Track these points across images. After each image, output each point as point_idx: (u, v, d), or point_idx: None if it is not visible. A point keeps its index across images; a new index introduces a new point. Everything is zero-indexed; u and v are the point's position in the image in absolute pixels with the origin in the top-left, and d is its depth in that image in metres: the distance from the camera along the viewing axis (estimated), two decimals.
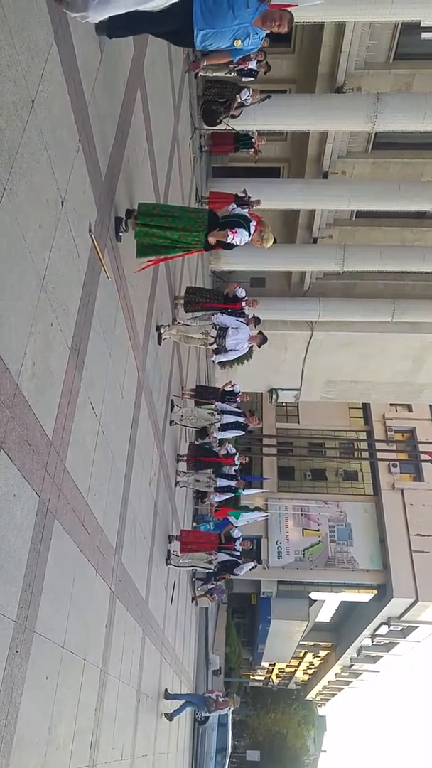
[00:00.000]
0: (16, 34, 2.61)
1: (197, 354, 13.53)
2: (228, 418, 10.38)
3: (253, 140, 12.19)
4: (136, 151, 5.54)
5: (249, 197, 12.52)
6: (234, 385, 10.92)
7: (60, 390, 3.41)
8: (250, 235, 5.23)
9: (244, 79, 10.72)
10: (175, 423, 9.42)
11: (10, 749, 2.85)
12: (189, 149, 10.48)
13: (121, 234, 4.73)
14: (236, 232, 5.01)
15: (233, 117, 11.10)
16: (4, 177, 2.53)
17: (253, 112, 11.66)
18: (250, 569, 10.43)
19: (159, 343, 7.46)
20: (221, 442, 11.03)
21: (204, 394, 10.78)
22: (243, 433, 10.89)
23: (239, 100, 10.71)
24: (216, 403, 10.52)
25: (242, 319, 9.29)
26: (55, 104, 3.13)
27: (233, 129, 11.73)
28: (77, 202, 3.59)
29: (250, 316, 9.44)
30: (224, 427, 10.41)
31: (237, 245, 5.08)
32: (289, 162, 17.54)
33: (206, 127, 11.44)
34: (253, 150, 12.25)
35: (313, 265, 16.92)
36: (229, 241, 4.99)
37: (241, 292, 9.06)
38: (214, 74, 10.86)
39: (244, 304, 9.20)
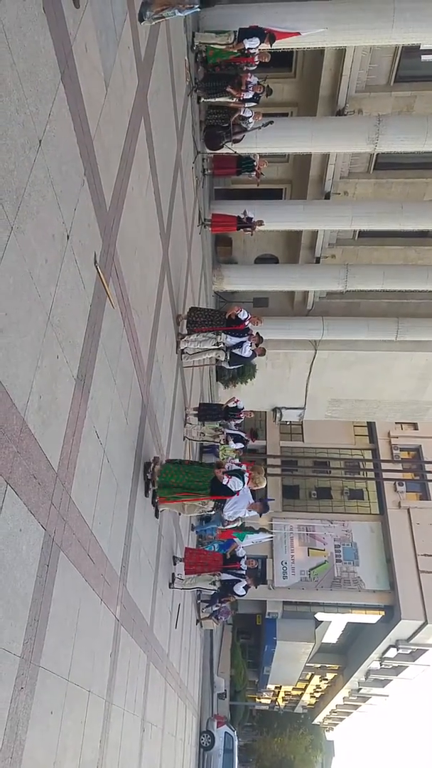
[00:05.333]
0: (25, 78, 2.67)
1: (200, 373, 13.56)
2: (232, 431, 10.89)
3: (255, 163, 12.35)
4: (140, 179, 5.62)
5: (251, 218, 12.69)
6: (237, 401, 10.99)
7: (66, 421, 3.42)
8: (244, 483, 6.61)
9: (246, 105, 10.90)
10: (194, 440, 9.86)
11: None
12: (192, 173, 10.63)
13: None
14: (231, 477, 6.46)
15: (236, 141, 11.25)
16: (12, 216, 2.57)
17: (254, 135, 11.83)
18: (243, 587, 10.31)
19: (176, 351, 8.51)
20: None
21: (208, 412, 10.83)
22: (244, 446, 11.35)
23: (242, 113, 10.84)
24: (222, 421, 10.75)
25: (246, 338, 9.35)
26: (61, 141, 3.19)
27: (235, 152, 11.90)
28: (82, 234, 3.63)
29: (254, 333, 9.50)
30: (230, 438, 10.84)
31: (234, 491, 6.47)
32: (291, 183, 17.74)
33: (209, 151, 11.61)
34: (255, 173, 12.40)
35: (316, 285, 17.01)
36: (224, 484, 6.40)
37: (243, 314, 9.11)
38: (217, 100, 11.06)
39: (247, 323, 9.26)
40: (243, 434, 10.91)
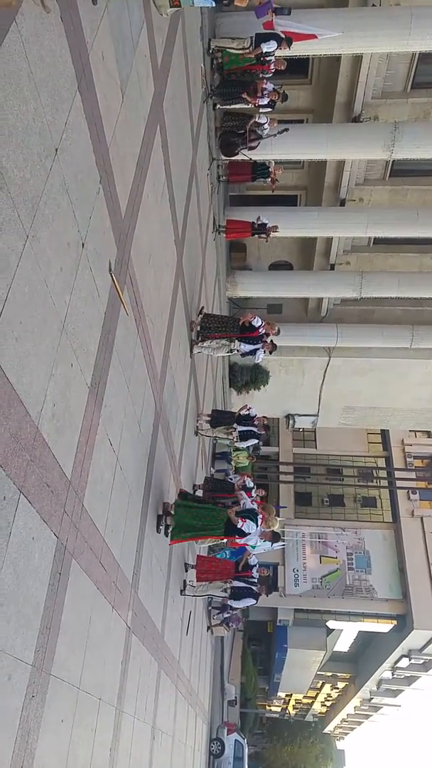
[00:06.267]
0: (42, 86, 2.69)
1: (213, 379, 13.56)
2: (243, 428, 10.89)
3: (270, 170, 12.34)
4: (156, 186, 5.64)
5: (265, 224, 12.67)
6: (250, 408, 10.98)
7: (79, 429, 3.41)
8: (257, 525, 6.74)
9: (261, 110, 10.90)
10: (206, 435, 10.18)
11: None
12: (207, 180, 10.66)
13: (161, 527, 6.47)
14: (245, 521, 6.56)
15: (251, 149, 11.26)
16: (28, 225, 2.58)
17: (270, 142, 11.83)
18: (246, 606, 10.30)
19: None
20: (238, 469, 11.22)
21: (220, 419, 10.83)
22: (258, 440, 11.43)
23: (257, 120, 10.85)
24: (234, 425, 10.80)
25: (259, 345, 9.33)
26: (77, 150, 3.20)
27: (250, 159, 11.91)
28: (98, 242, 3.64)
29: (268, 341, 9.48)
30: (242, 437, 10.85)
31: (247, 533, 6.59)
32: (306, 190, 17.71)
33: (224, 157, 11.63)
34: (270, 180, 12.39)
35: (330, 292, 16.93)
36: (238, 527, 6.52)
37: (256, 321, 9.08)
38: (232, 107, 11.09)
39: (261, 330, 9.24)
40: (255, 428, 10.89)
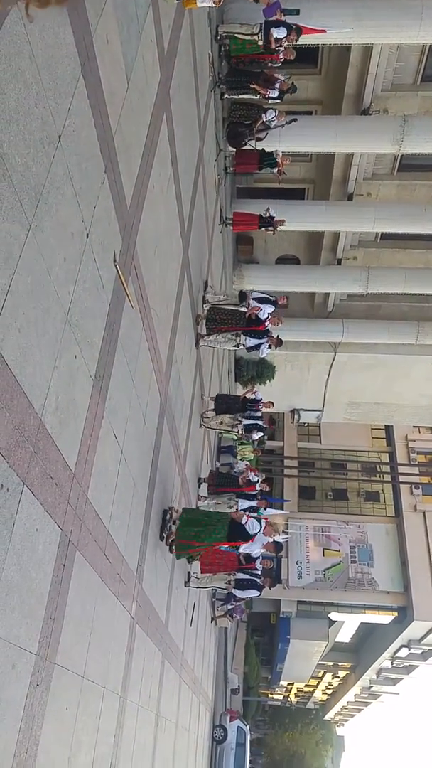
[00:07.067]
0: (44, 70, 2.62)
1: (219, 374, 13.53)
2: (248, 422, 10.94)
3: (278, 159, 12.22)
4: (162, 177, 5.59)
5: (273, 217, 12.58)
6: (255, 392, 10.99)
7: (83, 422, 3.40)
8: (261, 527, 6.93)
9: (270, 101, 10.78)
10: (211, 428, 10.17)
11: None
12: (213, 171, 10.58)
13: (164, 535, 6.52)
14: (250, 517, 6.86)
15: (259, 140, 11.15)
16: (30, 214, 2.55)
17: (278, 133, 11.70)
18: (249, 598, 10.36)
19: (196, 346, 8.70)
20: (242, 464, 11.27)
21: (226, 403, 10.81)
22: (264, 434, 11.52)
23: (264, 120, 10.75)
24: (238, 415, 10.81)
25: (264, 340, 9.30)
26: (81, 137, 3.15)
27: (256, 148, 11.78)
28: (102, 233, 3.61)
29: (274, 336, 9.46)
30: (246, 429, 10.91)
31: (251, 533, 6.77)
32: (314, 183, 17.57)
33: (231, 148, 11.53)
34: (277, 170, 12.28)
35: (336, 287, 16.85)
36: (243, 523, 6.72)
37: (263, 314, 9.04)
38: (240, 96, 10.97)
39: (267, 324, 9.20)
40: (260, 422, 10.87)
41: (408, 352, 17.93)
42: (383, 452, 28.71)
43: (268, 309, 9.40)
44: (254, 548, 7.52)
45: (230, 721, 18.02)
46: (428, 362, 18.38)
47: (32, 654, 2.80)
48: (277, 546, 8.36)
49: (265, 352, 9.36)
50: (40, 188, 2.63)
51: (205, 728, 15.06)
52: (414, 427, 27.68)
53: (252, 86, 9.88)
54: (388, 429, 28.66)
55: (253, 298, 9.48)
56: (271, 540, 7.57)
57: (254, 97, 10.36)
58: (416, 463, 27.49)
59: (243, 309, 9.33)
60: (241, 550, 7.44)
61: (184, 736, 9.99)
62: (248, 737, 18.78)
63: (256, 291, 9.52)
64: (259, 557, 11.58)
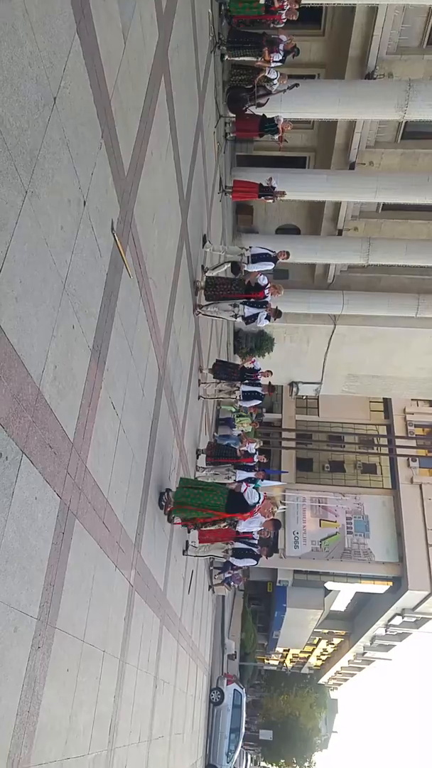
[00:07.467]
0: (38, 28, 2.52)
1: (218, 346, 13.49)
2: (247, 388, 10.95)
3: (279, 125, 11.92)
4: (160, 143, 5.46)
5: (274, 187, 12.33)
6: (254, 361, 10.97)
7: (81, 392, 3.40)
8: (260, 497, 6.90)
9: (272, 63, 10.44)
10: (209, 397, 10.30)
11: (33, 739, 2.92)
12: (213, 138, 10.32)
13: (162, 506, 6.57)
14: (249, 485, 7.04)
15: (259, 105, 10.85)
16: (26, 180, 2.50)
17: (279, 98, 11.38)
18: (246, 566, 10.53)
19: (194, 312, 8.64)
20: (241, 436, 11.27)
21: (224, 370, 10.80)
22: (261, 401, 11.54)
23: (266, 75, 10.40)
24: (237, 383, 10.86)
25: (264, 309, 9.19)
26: (77, 100, 3.06)
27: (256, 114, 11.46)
28: (100, 200, 3.54)
29: (273, 307, 9.36)
30: (244, 396, 10.95)
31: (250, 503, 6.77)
32: (315, 151, 17.20)
33: (231, 114, 11.23)
34: (278, 136, 11.98)
35: (337, 258, 16.67)
36: (242, 491, 6.83)
37: (263, 280, 8.92)
38: (241, 59, 10.61)
39: (266, 292, 9.08)
40: (259, 389, 10.86)
41: (407, 324, 17.86)
42: (381, 425, 28.87)
43: (268, 266, 9.25)
44: (253, 526, 7.62)
45: (227, 685, 18.59)
46: (428, 335, 18.32)
47: (33, 618, 2.87)
48: (275, 524, 8.49)
49: (263, 322, 9.21)
50: (35, 153, 2.57)
51: (202, 691, 15.54)
52: (412, 400, 27.79)
53: (260, 48, 9.50)
54: (387, 402, 28.78)
55: (252, 254, 9.28)
56: (269, 518, 7.69)
57: (255, 59, 10.03)
58: (414, 436, 27.68)
59: (243, 265, 9.23)
60: (239, 528, 7.51)
61: (182, 698, 10.31)
62: (244, 699, 19.41)
63: (256, 246, 9.25)
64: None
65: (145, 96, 4.69)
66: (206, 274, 9.16)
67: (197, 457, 10.29)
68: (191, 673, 11.91)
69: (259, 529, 7.87)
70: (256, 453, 10.72)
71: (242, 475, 11.08)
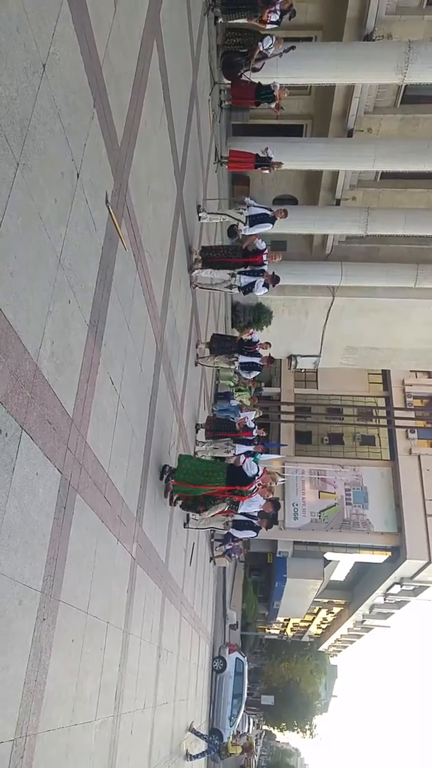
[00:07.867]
0: None
1: (216, 320, 13.41)
2: (245, 359, 10.87)
3: (275, 93, 11.60)
4: (154, 112, 5.32)
5: (270, 157, 12.08)
6: (252, 333, 10.90)
7: (79, 367, 3.39)
8: (258, 470, 7.01)
9: (267, 27, 10.10)
10: (207, 365, 10.34)
11: (41, 706, 3.01)
12: (208, 106, 10.06)
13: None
14: (248, 458, 7.32)
15: (255, 70, 10.54)
16: (17, 151, 2.43)
17: (275, 63, 11.06)
18: (247, 538, 10.67)
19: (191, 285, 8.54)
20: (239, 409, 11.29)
21: (222, 344, 10.73)
22: (259, 372, 11.53)
23: (261, 49, 10.10)
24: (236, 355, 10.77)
25: (261, 277, 9.03)
26: (67, 67, 2.97)
27: (251, 80, 11.15)
28: (93, 172, 3.47)
29: (270, 273, 9.21)
30: (242, 367, 10.92)
31: (250, 475, 6.83)
32: (312, 119, 16.81)
33: (226, 81, 10.92)
34: (275, 104, 11.69)
35: (335, 229, 16.44)
36: (240, 465, 7.02)
37: (261, 244, 8.79)
38: (236, 21, 10.27)
39: (264, 257, 8.94)
40: (257, 360, 10.80)
41: (406, 295, 17.73)
42: (380, 397, 28.93)
43: (267, 227, 9.09)
44: (253, 507, 7.69)
45: (229, 653, 19.07)
46: (427, 306, 18.22)
47: (37, 591, 2.91)
48: (275, 505, 8.57)
49: (261, 290, 8.97)
50: (26, 123, 2.50)
51: (205, 660, 15.95)
52: (411, 371, 27.80)
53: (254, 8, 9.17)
54: (385, 374, 28.78)
55: (251, 215, 9.07)
56: (268, 499, 7.78)
57: (251, 21, 9.70)
58: (412, 407, 27.77)
59: (240, 231, 9.07)
60: (240, 509, 7.58)
61: (185, 666, 10.58)
62: (246, 667, 19.92)
63: (254, 205, 9.03)
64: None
65: (138, 61, 4.55)
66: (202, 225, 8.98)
67: (196, 432, 10.33)
68: (194, 642, 12.20)
69: (259, 510, 7.97)
70: (255, 427, 10.74)
71: (241, 448, 11.13)
